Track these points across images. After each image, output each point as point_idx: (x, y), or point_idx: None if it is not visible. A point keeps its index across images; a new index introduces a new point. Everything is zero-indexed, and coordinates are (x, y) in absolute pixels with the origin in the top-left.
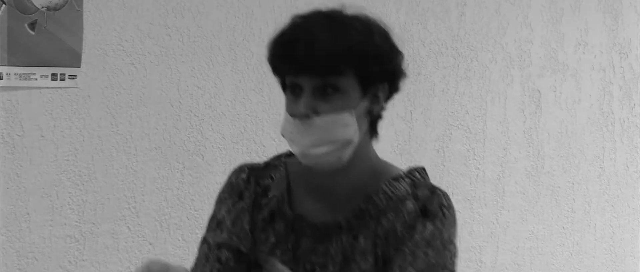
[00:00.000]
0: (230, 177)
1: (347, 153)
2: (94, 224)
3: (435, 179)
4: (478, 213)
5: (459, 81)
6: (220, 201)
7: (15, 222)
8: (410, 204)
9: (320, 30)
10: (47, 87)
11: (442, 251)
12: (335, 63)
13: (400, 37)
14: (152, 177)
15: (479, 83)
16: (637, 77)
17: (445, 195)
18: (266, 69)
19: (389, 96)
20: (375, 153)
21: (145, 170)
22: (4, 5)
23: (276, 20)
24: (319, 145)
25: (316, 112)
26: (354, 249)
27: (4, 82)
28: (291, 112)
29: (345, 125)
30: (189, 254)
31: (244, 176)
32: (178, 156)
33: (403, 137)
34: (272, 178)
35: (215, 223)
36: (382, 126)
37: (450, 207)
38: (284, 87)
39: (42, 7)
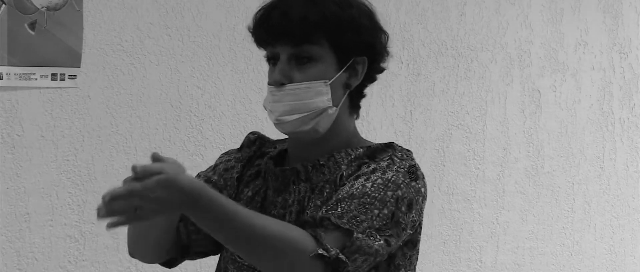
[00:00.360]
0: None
1: (323, 123)
2: (94, 224)
3: (435, 179)
4: (478, 213)
5: (459, 81)
6: (224, 153)
7: (15, 222)
8: (361, 151)
9: (297, 1)
10: (47, 87)
11: (382, 187)
12: (308, 30)
13: (400, 36)
14: None
15: (479, 83)
16: (637, 77)
17: (403, 150)
18: (266, 69)
19: (370, 73)
20: (356, 130)
21: None
22: (4, 5)
23: None
24: (292, 112)
25: (291, 80)
26: (309, 199)
27: (4, 82)
28: (269, 81)
29: (319, 93)
30: None
31: (251, 136)
32: (178, 156)
33: (403, 137)
34: (275, 148)
35: (212, 166)
36: (383, 126)
37: (404, 158)
38: (268, 59)
39: (42, 7)
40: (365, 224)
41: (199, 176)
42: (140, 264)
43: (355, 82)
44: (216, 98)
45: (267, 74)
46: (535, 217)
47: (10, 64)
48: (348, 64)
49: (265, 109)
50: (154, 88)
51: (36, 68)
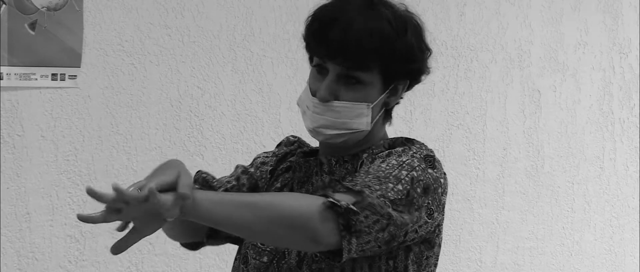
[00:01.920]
0: None
1: (356, 138)
2: (94, 224)
3: None
4: (478, 213)
5: (459, 81)
6: (263, 152)
7: (15, 222)
8: (381, 142)
9: (358, 20)
10: (47, 87)
11: (396, 166)
12: (365, 59)
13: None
14: None
15: (479, 83)
16: (637, 77)
17: (421, 144)
18: (266, 69)
19: (408, 88)
20: (386, 135)
21: (145, 170)
22: (4, 5)
23: (276, 20)
24: (331, 128)
25: (336, 98)
26: (330, 187)
27: (4, 82)
28: (313, 89)
29: (360, 115)
30: (189, 254)
31: (292, 138)
32: (178, 156)
33: None
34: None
35: (251, 161)
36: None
37: (421, 147)
38: (312, 60)
39: (42, 7)
40: (378, 192)
41: (238, 166)
42: (140, 264)
43: (393, 102)
44: (216, 98)
45: (267, 74)
46: (535, 217)
47: (10, 64)
48: (391, 87)
49: (299, 107)
50: (154, 88)
51: (36, 68)
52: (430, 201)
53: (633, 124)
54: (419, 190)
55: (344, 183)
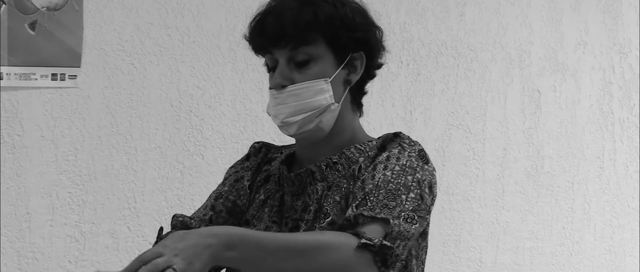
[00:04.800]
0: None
1: (327, 121)
2: (94, 224)
3: None
4: (478, 213)
5: (459, 81)
6: (231, 166)
7: (15, 222)
8: (374, 142)
9: (290, 5)
10: (47, 87)
11: (401, 173)
12: (303, 32)
13: (400, 36)
14: (152, 177)
15: (479, 83)
16: (637, 77)
17: (409, 139)
18: (266, 69)
19: (369, 70)
20: (361, 127)
21: (145, 170)
22: (4, 5)
23: None
24: (296, 113)
25: (292, 82)
26: (327, 197)
27: (4, 82)
28: (270, 85)
29: (320, 91)
30: None
31: (256, 145)
32: (178, 156)
33: None
34: (281, 153)
35: (222, 180)
36: (383, 125)
37: (412, 144)
38: (266, 65)
39: (42, 7)
40: (398, 209)
41: (210, 194)
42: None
43: (355, 78)
44: (216, 98)
45: (267, 74)
46: (535, 217)
47: (10, 64)
48: (346, 60)
49: (270, 115)
50: (154, 88)
51: (36, 68)
52: (433, 195)
53: (633, 124)
54: (426, 190)
55: (366, 213)
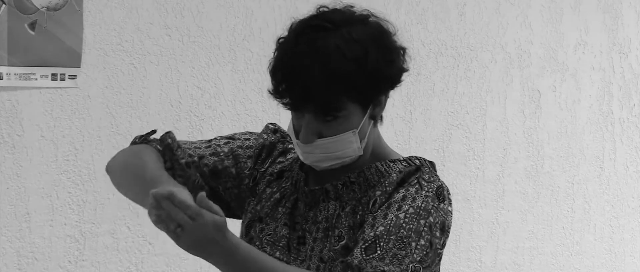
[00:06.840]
0: None
1: (353, 159)
2: (94, 224)
3: None
4: (478, 213)
5: (459, 81)
6: (246, 137)
7: (15, 222)
8: (394, 176)
9: (313, 70)
10: (47, 87)
11: (414, 216)
12: (332, 104)
13: (400, 36)
14: None
15: (479, 83)
16: (637, 77)
17: (430, 171)
18: (266, 69)
19: (391, 88)
20: (380, 139)
21: None
22: (4, 5)
23: (276, 20)
24: (324, 161)
25: (320, 136)
26: (339, 217)
27: (4, 82)
28: (296, 128)
29: (349, 143)
30: (189, 254)
31: (271, 125)
32: None
33: (403, 137)
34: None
35: (226, 137)
36: (382, 126)
37: (431, 180)
38: None
39: (42, 7)
40: (407, 260)
41: (219, 141)
42: (140, 264)
43: (379, 112)
44: (216, 98)
45: (267, 74)
46: (535, 217)
47: (10, 64)
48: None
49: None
50: (154, 88)
51: (36, 68)
52: (446, 236)
53: (633, 124)
54: (438, 233)
55: (375, 263)
